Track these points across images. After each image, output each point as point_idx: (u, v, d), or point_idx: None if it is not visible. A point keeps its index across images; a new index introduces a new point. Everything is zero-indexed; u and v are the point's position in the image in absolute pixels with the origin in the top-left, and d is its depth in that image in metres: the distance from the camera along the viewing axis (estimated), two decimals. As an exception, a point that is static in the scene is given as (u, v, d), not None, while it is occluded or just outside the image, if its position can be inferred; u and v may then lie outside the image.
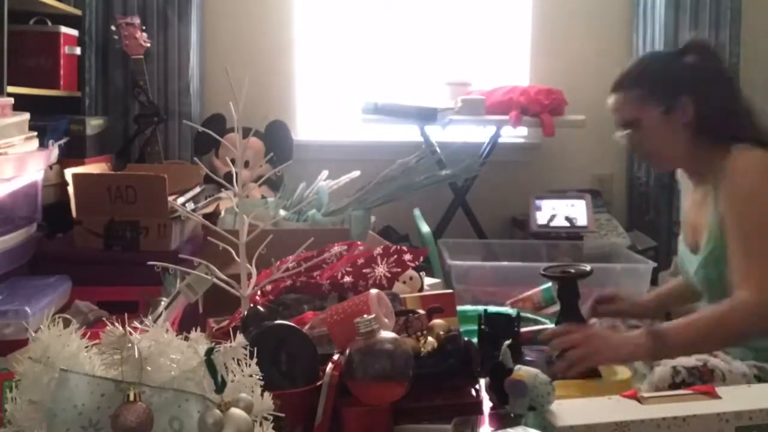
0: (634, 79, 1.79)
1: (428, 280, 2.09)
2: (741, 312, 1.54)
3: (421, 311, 1.40)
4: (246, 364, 0.95)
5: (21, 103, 2.53)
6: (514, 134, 3.69)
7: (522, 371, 1.22)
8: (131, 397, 0.86)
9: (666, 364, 1.52)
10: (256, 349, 0.96)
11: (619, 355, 1.56)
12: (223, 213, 2.72)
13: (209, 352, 0.92)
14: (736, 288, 1.59)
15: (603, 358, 1.54)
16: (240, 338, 0.95)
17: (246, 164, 3.37)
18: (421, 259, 1.74)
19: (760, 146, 1.66)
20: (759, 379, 1.52)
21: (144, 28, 3.34)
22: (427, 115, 3.29)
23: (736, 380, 1.48)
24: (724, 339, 1.60)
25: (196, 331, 0.96)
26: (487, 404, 1.29)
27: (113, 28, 3.29)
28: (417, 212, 3.03)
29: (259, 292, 1.62)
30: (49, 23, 3.07)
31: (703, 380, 1.46)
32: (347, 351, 1.21)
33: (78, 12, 3.26)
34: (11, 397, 0.89)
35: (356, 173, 3.01)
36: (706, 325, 1.57)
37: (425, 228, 2.84)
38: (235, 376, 0.94)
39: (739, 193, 1.62)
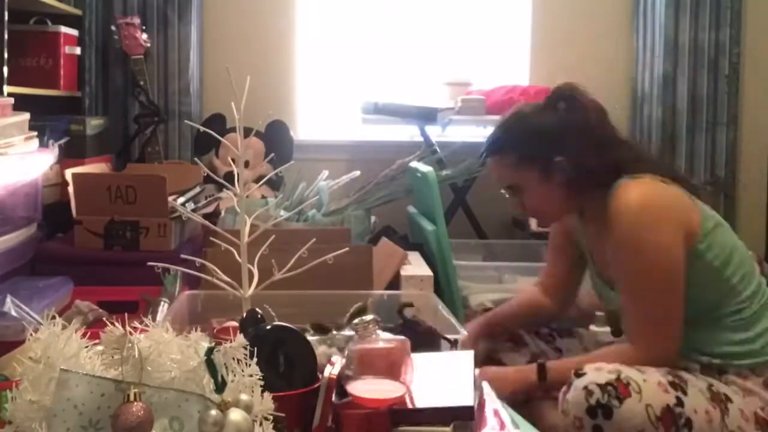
0: (508, 144, 1.72)
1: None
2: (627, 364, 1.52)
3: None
4: (246, 364, 0.95)
5: (21, 103, 2.54)
6: (514, 134, 3.69)
7: None
8: (131, 397, 0.86)
9: (577, 388, 1.47)
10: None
11: (515, 390, 1.63)
12: (223, 213, 2.72)
13: (209, 352, 0.92)
14: (627, 339, 1.61)
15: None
16: (240, 338, 0.95)
17: (246, 164, 3.37)
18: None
19: (644, 173, 1.62)
20: (673, 386, 1.49)
21: (144, 28, 3.34)
22: (427, 115, 3.28)
23: (651, 389, 1.47)
24: None
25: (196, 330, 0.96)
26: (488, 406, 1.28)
27: (113, 28, 3.29)
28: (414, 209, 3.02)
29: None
30: (49, 23, 3.07)
31: (618, 397, 1.44)
32: (345, 352, 1.20)
33: (78, 12, 3.26)
34: (11, 397, 0.89)
35: (356, 173, 3.02)
36: None
37: (429, 226, 2.84)
38: (235, 376, 0.94)
39: (622, 240, 1.57)
